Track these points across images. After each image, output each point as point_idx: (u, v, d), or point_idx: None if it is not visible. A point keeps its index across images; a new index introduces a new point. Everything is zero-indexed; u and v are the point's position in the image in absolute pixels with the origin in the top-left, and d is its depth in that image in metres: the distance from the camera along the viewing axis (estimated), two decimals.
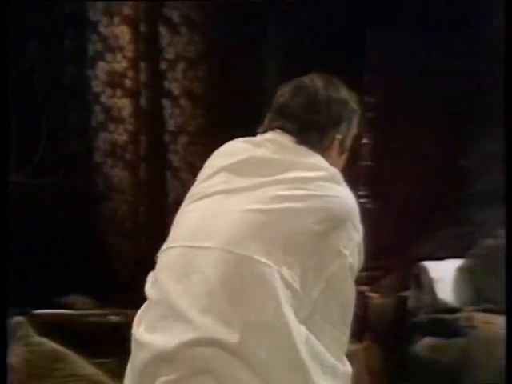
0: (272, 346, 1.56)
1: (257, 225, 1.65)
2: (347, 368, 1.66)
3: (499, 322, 2.50)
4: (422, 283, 2.92)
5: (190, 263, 1.65)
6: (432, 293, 2.87)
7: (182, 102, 3.33)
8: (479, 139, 2.96)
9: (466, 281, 2.85)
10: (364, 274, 2.98)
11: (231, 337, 1.55)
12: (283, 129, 1.80)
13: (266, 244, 1.62)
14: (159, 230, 3.18)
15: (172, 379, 1.54)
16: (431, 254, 3.06)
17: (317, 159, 1.79)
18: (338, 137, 1.81)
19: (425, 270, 2.93)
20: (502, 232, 2.75)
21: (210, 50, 3.28)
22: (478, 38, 2.85)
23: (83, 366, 2.20)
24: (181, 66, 3.33)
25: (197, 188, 1.79)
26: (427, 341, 2.53)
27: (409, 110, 2.81)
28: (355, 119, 1.87)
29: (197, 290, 1.60)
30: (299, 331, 1.59)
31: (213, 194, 1.74)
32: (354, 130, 1.86)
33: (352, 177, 2.59)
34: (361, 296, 2.80)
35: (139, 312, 1.66)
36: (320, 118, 1.82)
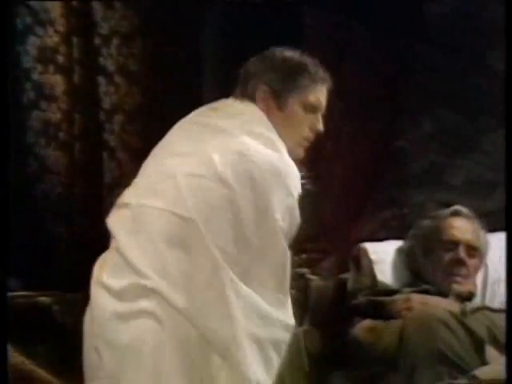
0: (209, 301, 1.74)
1: (198, 190, 1.81)
2: (290, 320, 1.82)
3: (435, 302, 2.55)
4: (362, 265, 2.94)
5: (139, 220, 1.83)
6: (371, 275, 2.90)
7: (117, 79, 3.27)
8: (417, 120, 2.99)
9: (405, 262, 2.89)
10: (304, 256, 3.00)
11: (174, 292, 1.74)
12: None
13: (205, 208, 1.79)
14: (95, 212, 3.14)
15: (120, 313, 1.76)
16: (371, 235, 3.09)
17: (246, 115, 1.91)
18: (264, 87, 1.95)
19: (364, 252, 2.95)
20: (438, 213, 2.80)
21: (145, 26, 3.23)
22: (413, 20, 2.88)
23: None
24: (115, 41, 3.26)
25: (161, 142, 1.96)
26: (366, 323, 2.55)
27: (348, 90, 2.81)
28: (303, 80, 1.97)
29: (145, 246, 1.79)
30: (236, 288, 1.75)
31: (164, 155, 1.92)
32: (300, 92, 1.97)
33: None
34: (301, 279, 2.81)
35: (101, 257, 1.86)
36: (255, 68, 1.98)
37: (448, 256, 2.69)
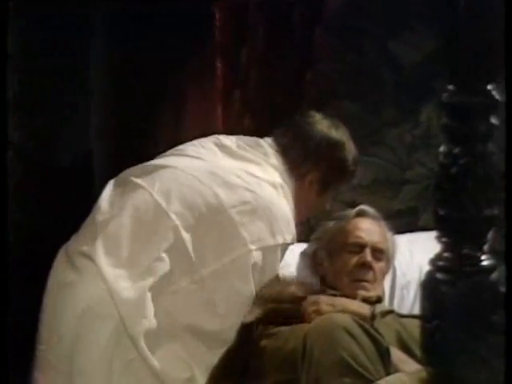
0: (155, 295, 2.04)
1: (187, 188, 2.14)
2: None
3: (344, 304, 2.55)
4: None
5: (123, 195, 2.17)
6: (276, 280, 2.88)
7: None
8: None
9: (310, 266, 2.88)
10: None
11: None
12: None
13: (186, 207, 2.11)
14: None
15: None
16: None
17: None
18: (317, 175, 2.41)
19: None
20: (343, 213, 2.80)
21: None
22: (313, 7, 2.89)
23: None
24: None
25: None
26: (272, 331, 2.53)
27: (247, 79, 2.80)
28: (345, 177, 2.53)
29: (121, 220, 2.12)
30: None
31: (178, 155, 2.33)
32: (338, 186, 2.55)
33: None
34: None
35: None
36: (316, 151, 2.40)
37: (354, 260, 2.68)
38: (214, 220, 2.13)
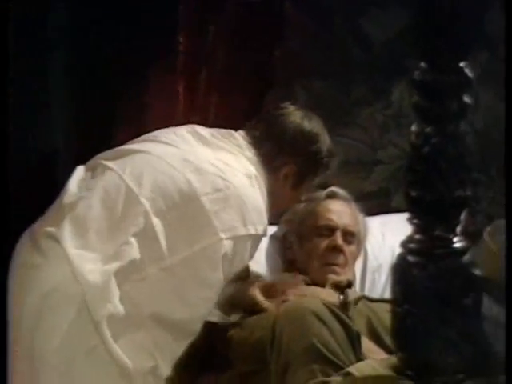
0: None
1: (157, 171, 2.16)
2: None
3: (312, 293, 2.55)
4: None
5: (92, 178, 2.19)
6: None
7: None
8: (289, 92, 2.97)
9: (279, 250, 2.87)
10: None
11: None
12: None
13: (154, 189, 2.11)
14: None
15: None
16: None
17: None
18: (293, 168, 2.40)
19: None
20: (313, 195, 2.79)
21: None
22: None
23: None
24: None
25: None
26: (239, 321, 2.51)
27: (214, 59, 2.78)
28: (321, 169, 2.51)
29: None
30: None
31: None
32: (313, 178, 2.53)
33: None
34: None
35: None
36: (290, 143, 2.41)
37: (324, 243, 2.68)
38: (185, 207, 2.12)
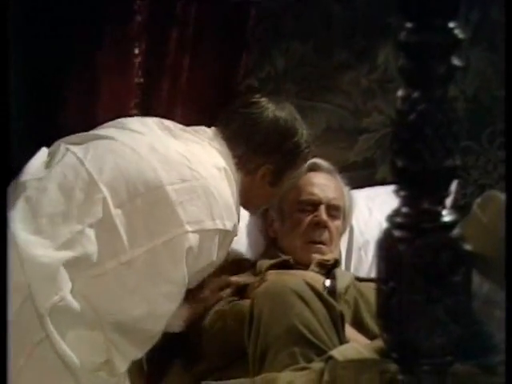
0: None
1: (121, 158, 2.16)
2: None
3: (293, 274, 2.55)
4: None
5: (52, 160, 2.20)
6: None
7: None
8: (268, 55, 2.97)
9: (260, 228, 2.86)
10: None
11: None
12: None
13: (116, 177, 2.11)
14: None
15: None
16: None
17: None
18: (270, 167, 2.43)
19: None
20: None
21: None
22: None
23: None
24: None
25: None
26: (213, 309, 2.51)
27: (186, 21, 2.77)
28: (300, 162, 2.56)
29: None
30: None
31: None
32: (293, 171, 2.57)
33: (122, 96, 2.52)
34: None
35: None
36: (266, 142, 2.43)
37: (307, 219, 2.68)
38: (149, 197, 2.12)
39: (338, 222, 2.73)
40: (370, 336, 2.31)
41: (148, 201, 2.11)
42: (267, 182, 2.45)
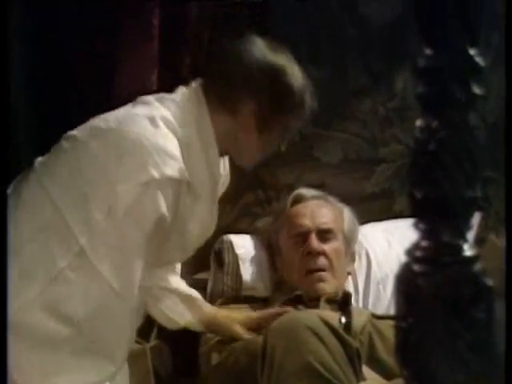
0: None
1: None
2: None
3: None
4: (225, 262, 2.90)
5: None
6: (236, 274, 2.87)
7: None
8: None
9: (269, 260, 2.88)
10: None
11: None
12: None
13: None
14: None
15: None
16: (232, 224, 3.06)
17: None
18: (253, 107, 2.27)
19: (229, 245, 2.92)
20: (280, 205, 2.81)
21: None
22: None
23: None
24: None
25: None
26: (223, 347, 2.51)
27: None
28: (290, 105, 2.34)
29: None
30: None
31: None
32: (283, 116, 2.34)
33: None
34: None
35: None
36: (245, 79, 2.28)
37: (300, 250, 2.72)
38: (73, 158, 2.11)
39: (334, 243, 2.77)
40: (386, 373, 2.31)
41: (74, 164, 2.11)
42: (254, 126, 2.29)
